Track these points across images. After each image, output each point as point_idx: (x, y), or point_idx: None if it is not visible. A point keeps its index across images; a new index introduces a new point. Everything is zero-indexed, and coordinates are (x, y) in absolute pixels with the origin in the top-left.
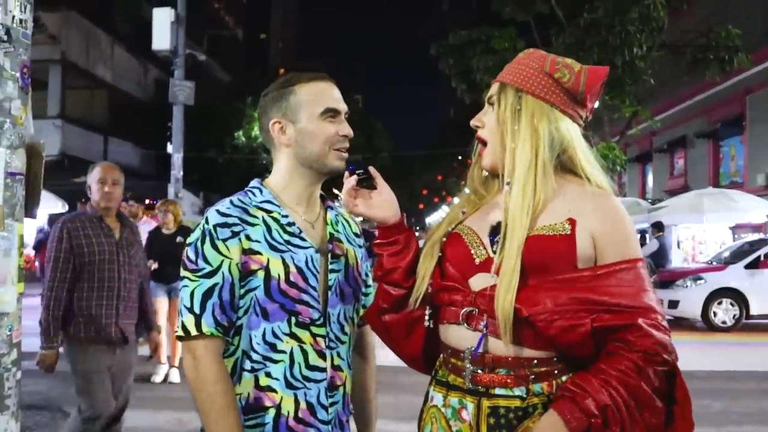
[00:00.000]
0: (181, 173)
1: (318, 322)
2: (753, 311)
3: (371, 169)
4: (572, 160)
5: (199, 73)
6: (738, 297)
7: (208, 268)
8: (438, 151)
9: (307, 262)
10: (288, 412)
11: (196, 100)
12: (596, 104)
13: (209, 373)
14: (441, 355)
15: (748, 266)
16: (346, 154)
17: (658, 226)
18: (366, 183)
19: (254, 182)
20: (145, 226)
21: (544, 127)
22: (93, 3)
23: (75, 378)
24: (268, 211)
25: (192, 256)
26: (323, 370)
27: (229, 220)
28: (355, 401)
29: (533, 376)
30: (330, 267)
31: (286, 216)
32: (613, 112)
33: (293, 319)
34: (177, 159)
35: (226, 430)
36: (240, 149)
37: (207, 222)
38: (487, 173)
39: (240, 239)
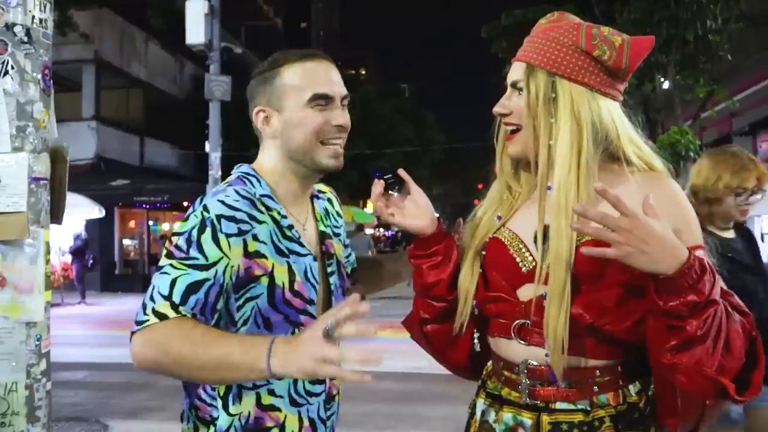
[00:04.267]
0: (220, 173)
1: None
2: None
3: (401, 172)
4: (617, 146)
5: (238, 68)
6: None
7: (201, 260)
8: (493, 141)
9: (306, 272)
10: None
11: (235, 96)
12: (666, 84)
13: (171, 328)
14: (491, 364)
15: None
16: (340, 149)
17: None
18: (398, 188)
19: (246, 167)
20: None
21: (587, 117)
22: None
23: None
24: (267, 208)
25: (182, 245)
26: (322, 381)
27: (237, 215)
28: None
29: (596, 387)
30: (330, 270)
31: (285, 217)
32: (686, 93)
33: (296, 331)
34: (215, 158)
35: (228, 346)
36: None
37: (207, 210)
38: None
39: (245, 240)
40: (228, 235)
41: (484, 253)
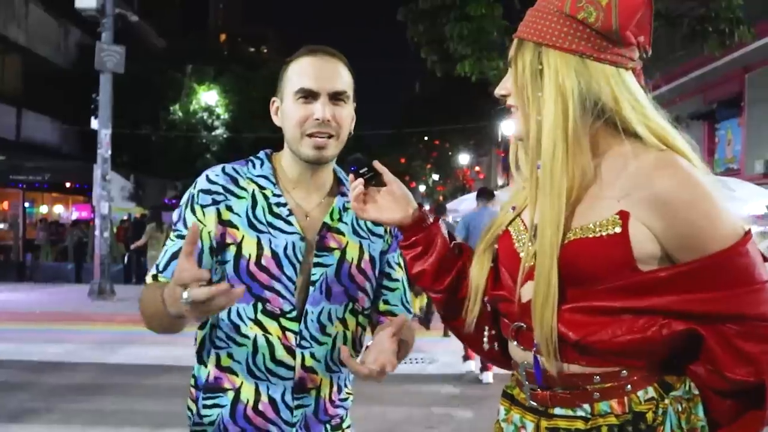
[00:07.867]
0: (109, 152)
1: (290, 315)
2: None
3: (376, 164)
4: (615, 113)
5: (131, 38)
6: None
7: (184, 230)
8: (402, 130)
9: (286, 248)
10: (247, 400)
11: (126, 69)
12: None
13: (144, 293)
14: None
15: None
16: (322, 141)
17: None
18: (374, 181)
19: (263, 152)
20: None
21: (572, 85)
22: None
23: None
24: (261, 187)
25: (175, 218)
26: (291, 368)
27: (213, 188)
28: None
29: (597, 394)
30: (317, 260)
31: (279, 195)
32: None
33: (259, 305)
34: (104, 136)
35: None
36: (177, 126)
37: (195, 186)
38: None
39: (219, 209)
40: (202, 206)
41: (497, 246)
